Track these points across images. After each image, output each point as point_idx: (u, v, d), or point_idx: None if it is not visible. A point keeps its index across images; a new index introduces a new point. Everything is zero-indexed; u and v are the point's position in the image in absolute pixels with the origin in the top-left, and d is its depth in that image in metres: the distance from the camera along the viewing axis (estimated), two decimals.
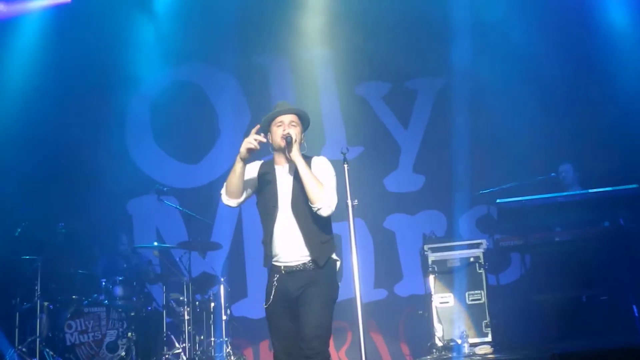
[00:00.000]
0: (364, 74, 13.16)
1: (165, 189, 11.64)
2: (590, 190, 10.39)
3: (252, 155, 6.68)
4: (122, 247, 11.96)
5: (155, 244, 11.41)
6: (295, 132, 6.72)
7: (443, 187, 12.64)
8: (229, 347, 10.97)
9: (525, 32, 12.21)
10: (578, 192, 10.65)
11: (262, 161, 6.98)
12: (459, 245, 10.86)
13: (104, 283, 10.93)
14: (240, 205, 6.92)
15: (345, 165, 6.92)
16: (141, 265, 11.73)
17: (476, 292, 10.49)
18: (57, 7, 12.58)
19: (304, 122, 6.93)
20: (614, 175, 11.01)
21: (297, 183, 6.69)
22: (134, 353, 10.47)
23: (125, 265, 11.57)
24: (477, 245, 10.71)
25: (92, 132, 12.71)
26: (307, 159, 6.80)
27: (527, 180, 11.18)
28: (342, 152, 7.04)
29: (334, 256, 6.79)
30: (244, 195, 6.88)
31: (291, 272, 6.66)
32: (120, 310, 10.67)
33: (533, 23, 12.25)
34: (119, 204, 12.92)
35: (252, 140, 6.56)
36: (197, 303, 11.12)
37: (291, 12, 12.96)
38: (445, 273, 10.62)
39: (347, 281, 11.74)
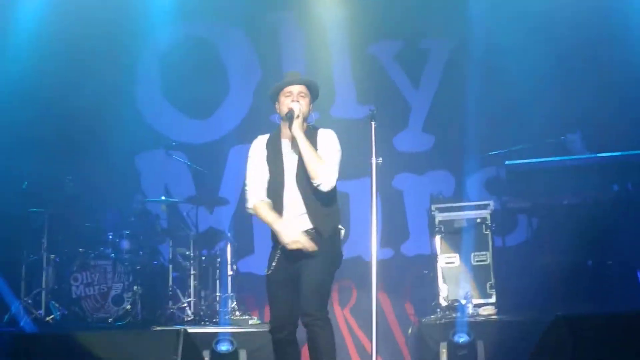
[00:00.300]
0: (376, 33, 13.05)
1: (174, 143, 11.64)
2: (599, 155, 10.29)
3: None
4: (137, 205, 11.92)
5: (163, 198, 11.43)
6: (300, 106, 6.73)
7: (452, 147, 12.59)
8: (234, 302, 11.02)
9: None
10: (587, 155, 10.56)
11: (268, 136, 7.00)
12: (466, 205, 10.87)
13: (110, 236, 10.98)
14: None
15: (373, 123, 6.89)
16: (148, 220, 11.74)
17: (482, 253, 10.48)
18: None
19: (313, 92, 6.94)
20: (625, 140, 10.94)
21: (301, 160, 6.72)
22: (139, 306, 10.51)
23: (132, 219, 11.59)
24: (484, 207, 10.68)
25: (101, 86, 12.61)
26: (314, 130, 6.86)
27: (536, 142, 11.12)
28: (370, 110, 7.02)
29: (339, 226, 6.87)
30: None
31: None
32: (126, 263, 10.72)
33: None
34: (126, 158, 12.92)
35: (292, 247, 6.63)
36: (203, 258, 11.16)
37: None
38: (452, 233, 10.61)
39: (354, 239, 11.83)
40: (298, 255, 6.66)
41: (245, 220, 12.73)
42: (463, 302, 10.20)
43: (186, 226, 11.35)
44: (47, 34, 12.43)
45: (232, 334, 9.32)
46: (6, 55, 12.28)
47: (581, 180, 10.35)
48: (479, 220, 10.59)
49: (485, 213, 10.61)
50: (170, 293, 10.86)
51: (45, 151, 12.16)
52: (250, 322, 10.58)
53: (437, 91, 13.00)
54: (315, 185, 6.65)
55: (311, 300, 6.56)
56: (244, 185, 7.13)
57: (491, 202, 10.73)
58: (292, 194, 6.75)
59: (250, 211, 6.97)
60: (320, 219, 6.73)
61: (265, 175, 6.92)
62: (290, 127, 6.67)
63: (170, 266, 11.02)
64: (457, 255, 10.52)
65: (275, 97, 6.86)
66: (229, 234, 11.40)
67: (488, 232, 10.51)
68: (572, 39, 12.00)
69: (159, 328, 9.67)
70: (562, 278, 10.17)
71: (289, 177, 6.79)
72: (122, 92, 12.95)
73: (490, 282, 10.37)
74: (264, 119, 12.69)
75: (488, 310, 10.13)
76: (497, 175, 11.45)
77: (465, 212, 10.68)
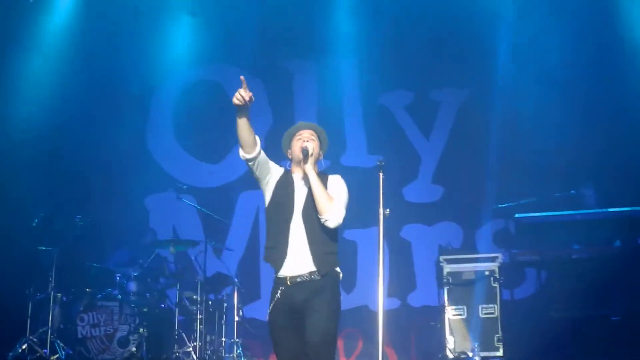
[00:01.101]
0: (387, 83, 13.16)
1: (184, 187, 11.67)
2: (609, 209, 10.35)
3: (244, 110, 7.07)
4: (145, 243, 11.92)
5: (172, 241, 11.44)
6: (312, 146, 6.84)
7: (461, 199, 12.64)
8: (240, 348, 10.97)
9: (555, 50, 12.20)
10: (596, 210, 10.59)
11: (285, 169, 7.08)
12: (475, 258, 10.86)
13: (118, 278, 10.95)
14: (256, 159, 6.96)
15: (381, 174, 6.92)
16: (156, 262, 11.73)
17: (490, 305, 10.46)
18: None
19: (322, 139, 7.06)
20: (633, 194, 10.96)
21: (310, 195, 6.77)
22: (144, 349, 10.46)
23: (140, 261, 11.57)
24: (493, 259, 10.68)
25: (114, 128, 12.77)
26: (323, 176, 6.91)
27: (546, 196, 11.14)
28: (378, 161, 7.05)
29: (337, 269, 6.80)
30: (257, 151, 6.98)
31: (296, 284, 6.66)
32: (133, 305, 10.69)
33: (564, 42, 12.22)
34: (136, 199, 12.94)
35: (237, 96, 7.01)
36: (210, 302, 11.12)
37: (319, 18, 13.02)
38: (460, 285, 10.60)
39: (360, 288, 11.81)
40: (300, 294, 6.62)
41: (252, 266, 12.76)
42: (470, 354, 10.17)
43: (194, 270, 11.34)
44: (62, 76, 12.53)
45: None
46: (23, 95, 12.36)
47: (591, 234, 10.38)
48: (487, 272, 10.58)
49: (494, 265, 10.60)
50: (176, 337, 10.77)
51: (56, 190, 12.21)
52: None
53: (447, 142, 13.07)
54: (323, 220, 6.67)
55: (319, 351, 6.52)
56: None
57: (500, 255, 10.73)
58: (296, 229, 6.74)
59: (240, 152, 7.06)
60: (320, 257, 6.69)
61: (270, 170, 6.99)
62: (304, 164, 6.78)
63: (177, 310, 10.95)
64: (465, 307, 10.50)
65: (287, 145, 7.08)
66: (236, 280, 11.37)
67: (496, 284, 10.50)
68: (584, 94, 12.07)
69: None
70: (570, 332, 10.16)
71: (297, 209, 6.80)
72: (134, 134, 13.07)
73: (497, 335, 10.34)
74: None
75: None
76: (506, 228, 11.47)
77: (474, 264, 10.67)
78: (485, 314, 10.45)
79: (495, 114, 12.30)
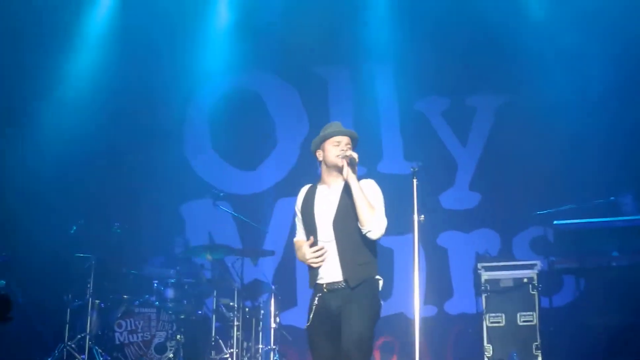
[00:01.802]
0: (423, 89, 13.11)
1: (221, 194, 11.70)
2: None
3: None
4: (178, 249, 12.00)
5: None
6: (356, 154, 6.76)
7: (499, 206, 12.56)
8: (277, 355, 10.97)
9: (593, 50, 12.09)
10: (636, 217, 10.49)
11: (308, 186, 7.06)
12: (513, 265, 10.77)
13: (155, 284, 11.01)
14: None
15: (415, 180, 6.89)
16: (193, 269, 11.77)
17: (528, 313, 10.37)
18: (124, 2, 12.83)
19: (355, 146, 6.97)
20: None
21: (341, 204, 6.73)
22: (181, 355, 10.50)
23: (178, 268, 11.62)
24: (531, 266, 10.58)
25: (150, 134, 12.84)
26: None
27: (585, 203, 11.05)
28: (412, 168, 7.06)
29: (376, 277, 6.77)
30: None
31: (332, 290, 6.65)
32: (170, 312, 10.74)
33: (606, 48, 12.09)
34: (173, 206, 13.02)
35: (314, 260, 6.72)
36: (246, 309, 11.11)
37: (354, 23, 13.02)
38: (498, 292, 10.52)
39: (397, 296, 11.78)
40: (336, 300, 6.61)
41: (288, 273, 12.75)
42: None
43: (230, 277, 11.34)
44: (100, 83, 12.63)
45: None
46: (62, 102, 12.47)
47: (631, 241, 10.28)
48: (525, 280, 10.49)
49: (532, 273, 10.51)
50: (213, 343, 10.80)
51: (94, 197, 12.28)
52: None
53: (484, 149, 12.98)
54: (365, 231, 6.61)
55: (354, 354, 6.45)
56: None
57: (538, 262, 10.63)
58: (325, 237, 6.73)
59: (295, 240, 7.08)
60: (352, 268, 6.64)
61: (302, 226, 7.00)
62: (347, 173, 6.65)
63: (214, 316, 10.97)
64: (503, 315, 10.42)
65: (318, 145, 6.91)
66: (273, 287, 11.35)
67: (535, 292, 10.41)
68: (625, 100, 11.96)
69: None
70: (610, 340, 10.08)
71: (325, 222, 6.75)
72: (171, 141, 13.12)
73: (536, 343, 10.25)
74: (311, 172, 12.75)
75: None
76: (544, 235, 11.36)
77: (512, 272, 10.58)
78: (524, 321, 10.36)
79: (533, 120, 12.20)
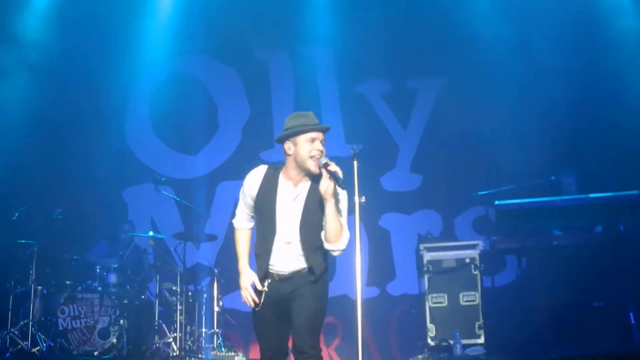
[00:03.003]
0: (364, 72, 13.17)
1: (163, 178, 11.64)
2: (590, 195, 10.33)
3: None
4: (124, 235, 11.93)
5: (151, 233, 11.40)
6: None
7: (440, 187, 12.68)
8: (220, 339, 10.98)
9: (530, 35, 12.24)
10: (577, 196, 10.62)
11: (267, 169, 6.77)
12: (455, 245, 10.88)
13: (98, 270, 10.94)
14: None
15: (355, 162, 6.82)
16: (136, 254, 11.72)
17: (470, 293, 10.50)
18: None
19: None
20: (614, 180, 11.04)
21: (308, 209, 6.60)
22: (125, 340, 10.48)
23: (120, 253, 11.57)
24: (473, 247, 10.72)
25: (91, 120, 12.74)
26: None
27: (526, 183, 11.18)
28: (352, 150, 6.85)
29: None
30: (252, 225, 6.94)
31: (285, 279, 6.63)
32: (113, 297, 10.70)
33: (537, 27, 12.26)
34: (115, 192, 12.92)
35: (248, 299, 6.65)
36: (189, 293, 11.14)
37: (294, 7, 13.00)
38: (440, 273, 10.63)
39: (339, 278, 11.82)
40: (288, 286, 6.60)
41: (231, 257, 12.56)
42: (451, 342, 10.19)
43: (173, 261, 11.30)
44: (39, 71, 12.52)
45: None
46: (2, 90, 12.30)
47: (572, 220, 10.43)
48: (467, 260, 10.63)
49: (474, 253, 10.65)
50: (157, 328, 10.79)
51: (35, 184, 12.15)
52: (236, 358, 10.55)
53: (424, 130, 13.10)
54: (329, 248, 6.58)
55: (306, 338, 6.49)
56: (235, 205, 7.01)
57: (480, 242, 10.77)
58: (287, 236, 6.63)
59: (234, 225, 6.99)
60: (314, 260, 6.60)
61: (252, 210, 6.83)
62: (328, 188, 6.40)
63: (157, 301, 10.97)
64: (446, 295, 10.53)
65: (289, 137, 6.56)
66: (215, 270, 11.35)
67: (477, 272, 10.55)
68: (564, 80, 12.09)
69: None
70: (551, 319, 10.22)
71: (288, 220, 6.62)
72: (112, 127, 13.02)
73: (479, 323, 10.39)
74: (252, 155, 12.80)
75: (477, 351, 10.11)
76: (486, 215, 11.44)
77: (454, 252, 10.71)
78: (466, 301, 10.50)
79: (473, 102, 12.31)
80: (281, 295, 6.61)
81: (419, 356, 10.18)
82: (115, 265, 11.05)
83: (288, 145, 6.56)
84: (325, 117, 13.18)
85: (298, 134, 6.52)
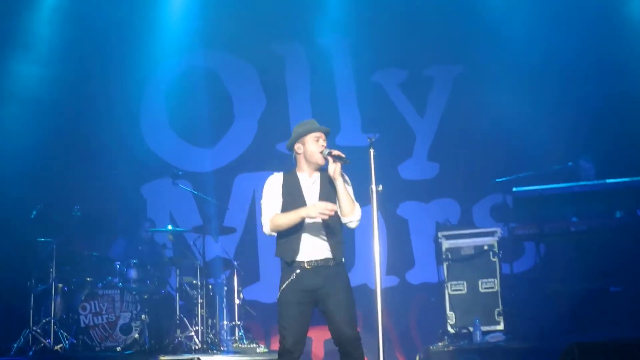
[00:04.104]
0: (380, 60, 13.16)
1: (180, 172, 11.66)
2: (608, 181, 10.33)
3: None
4: (145, 233, 11.99)
5: (170, 227, 11.44)
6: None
7: (458, 175, 12.67)
8: (241, 331, 11.02)
9: (546, 22, 12.20)
10: (595, 182, 10.60)
11: (282, 174, 7.35)
12: (474, 233, 10.87)
13: (118, 266, 10.97)
14: None
15: (372, 151, 7.00)
16: (155, 249, 11.77)
17: (489, 280, 10.51)
18: None
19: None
20: (632, 165, 10.98)
21: (323, 191, 7.19)
22: (147, 335, 10.49)
23: (140, 249, 11.62)
24: (491, 234, 10.71)
25: (107, 115, 12.76)
26: (325, 171, 7.22)
27: (543, 169, 11.16)
28: (369, 138, 7.15)
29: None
30: None
31: (314, 268, 7.00)
32: (134, 292, 10.72)
33: (555, 14, 12.20)
34: (133, 187, 12.96)
35: (326, 213, 6.89)
36: (210, 287, 11.16)
37: None
38: (459, 261, 10.64)
39: (358, 267, 11.84)
40: (317, 278, 6.98)
41: (250, 248, 12.79)
42: (471, 329, 10.20)
43: (192, 255, 11.34)
44: (56, 66, 12.55)
45: None
46: (18, 84, 12.36)
47: (589, 206, 10.41)
48: (486, 247, 10.62)
49: (493, 240, 10.64)
50: (178, 322, 10.81)
51: (53, 181, 12.21)
52: (258, 350, 10.57)
53: (442, 119, 13.08)
54: (346, 222, 7.14)
55: (350, 331, 6.95)
56: (261, 216, 7.28)
57: (498, 229, 10.76)
58: (312, 223, 7.08)
59: (269, 231, 7.17)
60: (335, 247, 7.09)
61: (279, 209, 7.20)
62: (335, 170, 7.02)
63: (178, 295, 10.99)
64: (465, 283, 10.54)
65: (297, 139, 7.28)
66: (235, 263, 11.38)
67: (495, 259, 10.54)
68: (581, 65, 12.06)
69: (167, 358, 9.64)
70: (570, 305, 10.22)
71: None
72: (129, 122, 13.06)
73: (498, 309, 10.40)
74: (268, 147, 12.84)
75: (497, 338, 10.12)
76: (504, 202, 11.40)
77: (473, 239, 10.70)
78: (485, 288, 10.50)
79: (490, 89, 12.26)
80: (309, 286, 6.98)
81: (439, 344, 10.18)
82: (135, 261, 11.04)
83: (298, 146, 7.28)
84: (342, 107, 13.22)
85: (305, 135, 7.24)
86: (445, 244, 10.73)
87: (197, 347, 10.55)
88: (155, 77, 13.25)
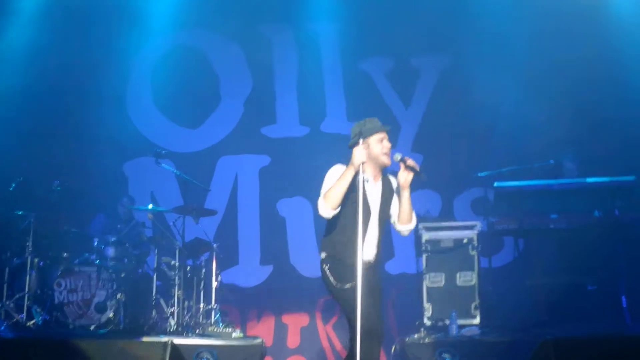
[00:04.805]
0: (368, 49, 13.12)
1: (163, 151, 11.59)
2: (588, 179, 10.38)
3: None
4: (123, 208, 11.94)
5: (150, 206, 11.37)
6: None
7: (440, 167, 12.61)
8: (218, 314, 10.97)
9: (533, 17, 12.18)
10: (575, 180, 10.66)
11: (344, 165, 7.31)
12: (454, 226, 10.87)
13: (96, 243, 10.90)
14: None
15: (361, 141, 7.01)
16: (135, 228, 11.71)
17: (467, 273, 10.50)
18: None
19: None
20: (612, 164, 11.02)
21: (384, 197, 7.38)
22: (122, 314, 10.42)
23: (119, 226, 11.54)
24: (471, 227, 10.70)
25: (93, 93, 12.74)
26: (387, 175, 7.52)
27: (525, 165, 11.18)
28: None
29: None
30: None
31: (369, 267, 7.24)
32: (110, 270, 10.62)
33: (542, 10, 12.18)
34: (115, 164, 12.91)
35: (363, 155, 7.02)
36: (188, 268, 11.06)
37: None
38: (438, 253, 10.62)
39: None
40: (373, 277, 7.33)
41: (230, 232, 12.76)
42: (447, 321, 10.19)
43: (172, 235, 11.25)
44: (41, 41, 12.50)
45: (215, 346, 9.30)
46: (3, 60, 12.30)
47: (569, 204, 10.43)
48: (465, 240, 10.61)
49: (472, 233, 10.63)
50: (154, 302, 10.75)
51: (34, 154, 12.15)
52: (234, 335, 10.47)
53: (426, 110, 13.05)
54: (404, 228, 7.47)
55: (380, 328, 7.20)
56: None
57: (478, 223, 10.75)
58: (372, 225, 7.31)
59: (326, 207, 7.14)
60: (380, 250, 7.45)
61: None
62: (407, 181, 7.23)
63: (155, 275, 10.92)
64: (443, 275, 10.52)
65: (362, 136, 7.21)
66: (214, 245, 11.32)
67: (474, 252, 10.54)
68: (566, 63, 12.06)
69: (145, 339, 9.56)
70: (547, 300, 10.29)
71: (373, 210, 7.31)
72: (114, 99, 12.99)
73: (475, 303, 10.38)
74: (253, 130, 12.79)
75: (472, 331, 10.12)
76: (485, 196, 11.41)
77: (453, 232, 10.69)
78: (463, 281, 10.49)
79: (476, 82, 12.23)
80: (369, 282, 7.15)
81: (415, 335, 10.15)
82: (113, 239, 10.97)
83: (363, 145, 7.16)
84: (328, 93, 13.18)
85: (369, 135, 7.24)
86: (425, 236, 10.71)
87: (172, 329, 10.48)
88: (142, 54, 13.21)
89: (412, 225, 7.47)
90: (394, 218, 7.46)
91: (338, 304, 7.42)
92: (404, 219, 7.39)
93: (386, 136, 7.36)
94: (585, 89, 12.06)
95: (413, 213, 7.43)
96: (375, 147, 7.26)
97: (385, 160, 7.30)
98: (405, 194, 7.28)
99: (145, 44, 13.08)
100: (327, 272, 7.24)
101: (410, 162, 7.23)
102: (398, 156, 7.25)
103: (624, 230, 10.26)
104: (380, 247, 7.41)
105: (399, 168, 7.26)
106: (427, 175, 7.30)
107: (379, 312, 7.32)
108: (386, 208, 7.41)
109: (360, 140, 7.13)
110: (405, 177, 7.21)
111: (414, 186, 12.47)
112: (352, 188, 7.13)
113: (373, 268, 7.36)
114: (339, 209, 7.10)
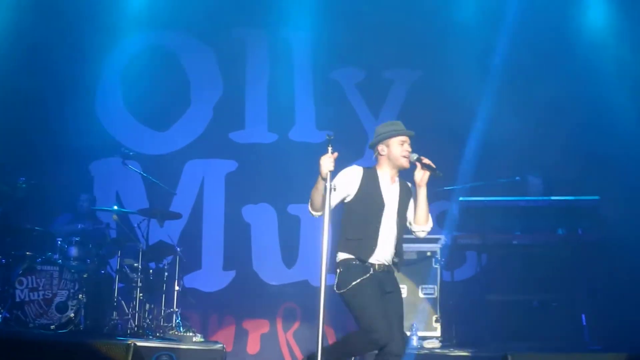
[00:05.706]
0: (340, 59, 13.16)
1: (130, 153, 11.55)
2: (552, 198, 10.52)
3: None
4: (81, 205, 11.88)
5: (115, 207, 11.33)
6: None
7: (407, 179, 12.61)
8: (179, 318, 10.94)
9: (505, 33, 12.27)
10: (539, 198, 10.76)
11: (363, 168, 7.54)
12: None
13: (59, 242, 10.83)
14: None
15: (330, 148, 7.05)
16: (98, 228, 11.65)
17: (430, 286, 10.56)
18: None
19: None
20: (577, 184, 11.13)
21: (401, 200, 7.48)
22: (82, 315, 10.38)
23: (82, 226, 11.48)
24: (435, 240, 10.79)
25: (61, 90, 12.65)
26: (405, 183, 7.67)
27: (490, 181, 11.27)
28: (327, 135, 7.24)
29: None
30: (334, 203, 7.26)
31: (383, 271, 7.26)
32: (73, 270, 10.56)
33: (515, 28, 12.27)
34: (81, 164, 12.83)
35: (329, 164, 7.01)
36: (150, 271, 11.05)
37: None
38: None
39: (301, 264, 11.82)
40: (387, 282, 7.29)
41: (195, 236, 12.73)
42: (408, 334, 10.22)
43: (136, 237, 11.23)
44: (9, 37, 12.36)
45: (175, 350, 9.28)
46: None
47: (533, 221, 10.53)
48: (429, 253, 10.70)
49: (436, 247, 10.73)
50: (115, 304, 10.71)
51: (0, 150, 12.04)
52: (194, 339, 10.47)
53: None
54: (420, 230, 7.55)
55: (401, 342, 7.17)
56: None
57: (442, 237, 10.85)
58: (387, 227, 7.34)
59: (312, 212, 7.31)
60: (399, 251, 7.44)
61: (353, 185, 7.37)
62: (423, 180, 7.47)
63: (117, 277, 10.87)
64: (406, 287, 10.55)
65: (382, 140, 7.55)
66: (178, 249, 11.29)
67: (437, 265, 10.62)
68: (534, 82, 12.17)
69: (106, 340, 9.49)
70: (507, 315, 10.42)
71: (388, 212, 7.37)
72: (82, 98, 12.88)
73: (436, 316, 10.46)
74: (221, 135, 12.78)
75: (433, 344, 10.18)
76: (450, 210, 11.51)
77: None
78: (426, 294, 10.55)
79: (445, 96, 12.32)
80: (382, 286, 7.21)
81: None
82: (77, 239, 10.91)
83: (381, 148, 7.56)
84: (298, 101, 13.19)
85: (390, 137, 7.52)
86: None
87: (133, 331, 10.45)
88: (113, 53, 13.10)
89: (429, 227, 7.55)
90: (409, 219, 7.54)
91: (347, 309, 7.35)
92: (420, 219, 7.48)
93: (408, 140, 7.56)
94: (552, 107, 12.17)
95: (429, 217, 7.52)
96: (395, 148, 7.48)
97: (404, 163, 7.49)
98: (422, 191, 7.42)
99: (117, 43, 13.00)
100: (338, 276, 7.30)
101: (426, 160, 7.46)
102: (414, 156, 7.47)
103: (586, 249, 10.37)
104: (401, 254, 7.46)
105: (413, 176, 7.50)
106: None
107: (402, 331, 7.29)
108: (403, 210, 7.49)
109: (381, 145, 7.46)
110: (421, 175, 7.43)
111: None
112: (368, 186, 7.32)
113: (391, 273, 7.39)
114: (321, 212, 7.11)
